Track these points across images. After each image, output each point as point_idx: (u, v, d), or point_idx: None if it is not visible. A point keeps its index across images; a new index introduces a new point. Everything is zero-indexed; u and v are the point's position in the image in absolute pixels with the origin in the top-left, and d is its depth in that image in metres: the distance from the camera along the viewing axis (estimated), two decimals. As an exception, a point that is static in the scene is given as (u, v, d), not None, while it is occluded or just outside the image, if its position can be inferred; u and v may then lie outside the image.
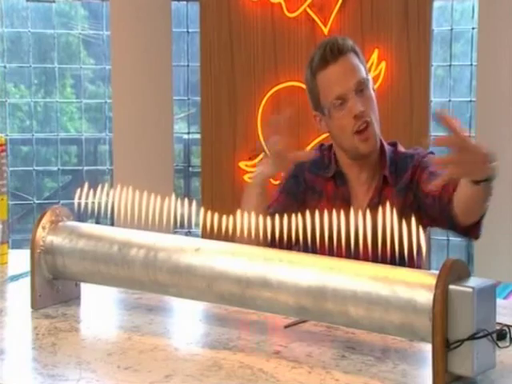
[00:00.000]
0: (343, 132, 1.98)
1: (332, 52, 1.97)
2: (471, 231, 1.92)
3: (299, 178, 2.08)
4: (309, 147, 3.44)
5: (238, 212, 1.45)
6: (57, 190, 4.34)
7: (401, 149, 2.07)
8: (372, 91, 2.00)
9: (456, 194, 1.84)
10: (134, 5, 3.86)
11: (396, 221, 1.28)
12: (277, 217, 1.40)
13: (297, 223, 1.38)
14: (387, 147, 2.05)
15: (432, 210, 1.93)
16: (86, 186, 1.58)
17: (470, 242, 1.98)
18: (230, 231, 1.43)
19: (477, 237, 1.94)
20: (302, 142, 3.45)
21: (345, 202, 1.97)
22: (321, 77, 1.99)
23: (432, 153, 2.06)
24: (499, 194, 1.86)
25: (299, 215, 1.39)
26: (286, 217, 1.40)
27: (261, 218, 1.42)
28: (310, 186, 2.06)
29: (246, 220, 1.43)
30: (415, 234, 1.26)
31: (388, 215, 1.29)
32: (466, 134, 1.61)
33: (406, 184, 2.00)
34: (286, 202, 2.04)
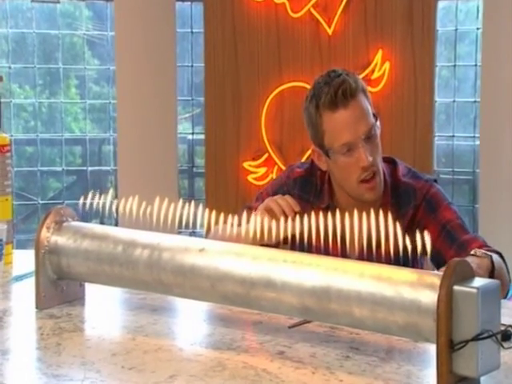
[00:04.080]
0: (347, 179, 1.91)
1: (344, 96, 1.86)
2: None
3: None
4: (310, 150, 3.45)
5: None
6: (61, 190, 4.35)
7: (400, 173, 1.98)
8: (378, 136, 1.92)
9: None
10: (139, 5, 3.86)
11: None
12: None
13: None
14: (386, 171, 1.96)
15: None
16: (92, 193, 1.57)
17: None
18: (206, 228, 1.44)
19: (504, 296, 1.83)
20: (305, 144, 3.46)
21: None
22: (328, 118, 1.89)
23: (435, 181, 2.00)
24: (500, 194, 1.86)
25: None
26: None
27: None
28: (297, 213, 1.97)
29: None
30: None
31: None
32: None
33: (405, 224, 1.87)
34: None
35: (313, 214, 1.89)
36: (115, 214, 1.54)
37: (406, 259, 1.28)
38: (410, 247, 1.27)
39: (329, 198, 1.98)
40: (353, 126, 1.88)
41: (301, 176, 2.03)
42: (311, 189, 2.00)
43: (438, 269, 1.86)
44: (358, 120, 1.88)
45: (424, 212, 1.93)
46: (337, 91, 1.87)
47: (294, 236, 1.39)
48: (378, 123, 1.93)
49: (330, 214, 1.88)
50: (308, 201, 1.98)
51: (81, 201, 1.58)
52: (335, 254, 1.36)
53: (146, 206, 1.50)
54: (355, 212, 1.33)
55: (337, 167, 1.92)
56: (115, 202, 1.53)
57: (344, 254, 1.70)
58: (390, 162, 2.01)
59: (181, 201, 1.48)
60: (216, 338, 1.43)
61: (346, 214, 1.34)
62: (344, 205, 1.96)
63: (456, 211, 1.95)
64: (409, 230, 1.89)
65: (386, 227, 1.29)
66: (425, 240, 1.26)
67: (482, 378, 1.20)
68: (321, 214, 1.38)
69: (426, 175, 2.03)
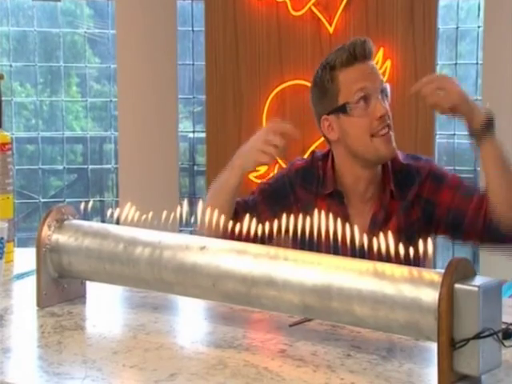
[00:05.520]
0: (363, 134, 1.91)
1: (361, 54, 1.93)
2: None
3: (288, 192, 2.00)
4: (311, 148, 3.45)
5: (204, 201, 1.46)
6: (62, 188, 4.35)
7: (399, 157, 2.00)
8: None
9: (486, 187, 1.86)
10: (139, 3, 3.86)
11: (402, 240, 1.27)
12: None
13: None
14: None
15: (474, 226, 1.89)
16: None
17: None
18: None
19: None
20: (307, 141, 3.45)
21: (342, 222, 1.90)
22: (345, 73, 1.92)
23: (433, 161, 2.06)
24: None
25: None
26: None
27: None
28: (300, 203, 1.97)
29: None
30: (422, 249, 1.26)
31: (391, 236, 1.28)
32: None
33: (411, 200, 1.95)
34: (262, 209, 1.97)
35: (317, 204, 1.92)
36: (116, 223, 1.54)
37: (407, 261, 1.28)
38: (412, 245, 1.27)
39: (333, 183, 1.98)
40: (369, 76, 1.93)
41: (302, 167, 2.03)
42: (313, 179, 2.00)
43: (453, 235, 1.94)
44: (375, 73, 1.95)
45: (431, 185, 1.96)
46: (354, 50, 1.93)
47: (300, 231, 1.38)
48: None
49: (336, 200, 1.93)
50: (311, 191, 1.99)
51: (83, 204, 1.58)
52: (343, 242, 1.35)
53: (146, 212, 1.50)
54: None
55: (353, 123, 1.92)
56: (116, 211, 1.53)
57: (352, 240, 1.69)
58: None
59: (181, 199, 1.48)
60: (217, 336, 1.43)
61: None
62: (349, 188, 1.97)
63: (462, 179, 2.01)
64: (415, 205, 1.94)
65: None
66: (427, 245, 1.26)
67: (483, 377, 1.20)
68: (325, 211, 1.38)
69: (424, 157, 2.07)
